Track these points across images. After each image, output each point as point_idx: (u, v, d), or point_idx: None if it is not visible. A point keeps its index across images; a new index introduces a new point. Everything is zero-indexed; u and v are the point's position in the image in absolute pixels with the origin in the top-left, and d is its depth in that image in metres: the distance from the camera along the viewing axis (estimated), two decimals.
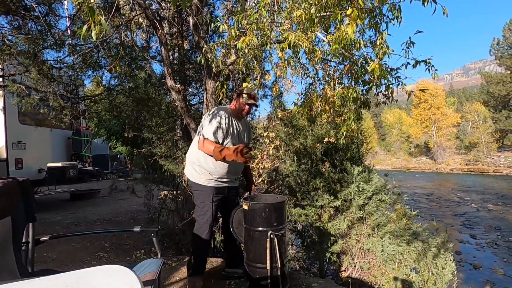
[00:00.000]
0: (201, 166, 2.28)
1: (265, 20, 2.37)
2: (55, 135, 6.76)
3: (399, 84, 2.24)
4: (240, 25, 2.63)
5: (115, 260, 3.32)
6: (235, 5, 4.39)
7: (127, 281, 0.63)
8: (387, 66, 2.33)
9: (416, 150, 41.43)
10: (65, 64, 3.86)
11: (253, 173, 3.77)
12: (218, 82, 2.76)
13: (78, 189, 8.08)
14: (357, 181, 3.43)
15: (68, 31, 4.08)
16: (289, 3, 2.52)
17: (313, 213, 3.41)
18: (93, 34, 1.38)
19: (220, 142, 2.21)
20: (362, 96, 2.46)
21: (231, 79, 4.21)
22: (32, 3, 3.23)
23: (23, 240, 1.32)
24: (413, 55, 2.31)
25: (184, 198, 3.83)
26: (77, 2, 1.35)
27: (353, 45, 1.88)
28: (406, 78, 2.22)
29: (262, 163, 3.84)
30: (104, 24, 1.40)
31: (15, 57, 3.10)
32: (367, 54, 2.41)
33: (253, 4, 3.67)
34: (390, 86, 2.18)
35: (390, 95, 2.25)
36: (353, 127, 2.49)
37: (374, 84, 2.32)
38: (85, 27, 1.38)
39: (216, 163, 2.22)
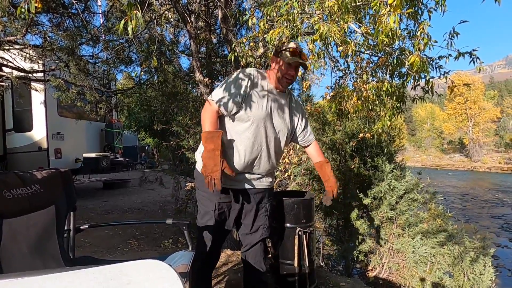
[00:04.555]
0: None
1: (295, 11, 2.30)
2: (89, 127, 7.13)
3: (441, 75, 2.08)
4: (268, 17, 2.57)
5: (145, 248, 3.46)
6: None
7: (168, 277, 0.64)
8: (427, 56, 2.18)
9: (449, 147, 39.21)
10: (99, 59, 4.03)
11: (279, 168, 3.73)
12: None
13: (110, 179, 8.52)
14: (389, 179, 3.29)
15: (101, 27, 4.24)
16: None
17: (340, 210, 3.33)
18: (129, 29, 1.40)
19: (231, 110, 1.48)
20: (398, 90, 2.32)
21: None
22: (70, 0, 3.38)
23: (65, 228, 1.39)
24: (455, 44, 2.14)
25: None
26: None
27: (392, 37, 1.77)
28: (449, 72, 2.06)
29: (288, 158, 3.80)
30: (140, 18, 1.41)
31: (55, 53, 3.28)
32: (404, 45, 2.27)
33: None
34: (431, 80, 2.03)
35: (430, 89, 2.11)
36: (388, 123, 2.37)
37: (412, 77, 2.18)
38: (122, 22, 1.40)
39: (226, 144, 1.51)
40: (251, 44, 3.14)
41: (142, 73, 4.41)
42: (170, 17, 5.04)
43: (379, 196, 3.39)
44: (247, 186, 1.60)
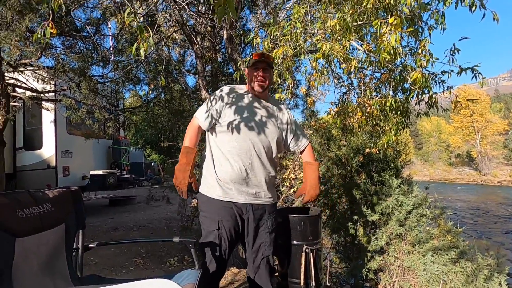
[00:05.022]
0: (205, 168, 1.72)
1: (298, 31, 2.37)
2: (97, 145, 7.24)
3: (444, 89, 2.10)
4: (272, 37, 2.66)
5: (150, 266, 3.42)
6: (267, 17, 4.47)
7: None
8: (429, 72, 2.21)
9: (457, 160, 38.60)
10: (109, 79, 4.17)
11: (285, 183, 3.72)
12: None
13: (116, 195, 8.55)
14: (396, 194, 3.25)
15: (111, 48, 4.41)
16: (322, 13, 2.51)
17: (348, 226, 3.27)
18: (141, 51, 1.47)
19: (209, 125, 1.63)
20: (402, 106, 2.35)
21: None
22: (82, 24, 3.54)
23: (74, 247, 1.40)
24: (457, 60, 2.17)
25: None
26: (128, 22, 1.44)
27: (395, 54, 1.81)
28: (452, 86, 2.08)
29: (293, 174, 3.78)
30: (151, 41, 1.48)
31: (67, 74, 3.41)
32: (406, 62, 2.32)
33: (286, 16, 3.72)
34: (434, 95, 2.05)
35: (434, 104, 2.13)
36: (394, 138, 2.38)
37: (415, 93, 2.21)
38: (135, 45, 1.47)
39: (218, 157, 1.63)
40: None
41: (150, 92, 4.53)
42: (177, 37, 5.22)
43: (387, 211, 3.33)
44: (247, 200, 1.60)
